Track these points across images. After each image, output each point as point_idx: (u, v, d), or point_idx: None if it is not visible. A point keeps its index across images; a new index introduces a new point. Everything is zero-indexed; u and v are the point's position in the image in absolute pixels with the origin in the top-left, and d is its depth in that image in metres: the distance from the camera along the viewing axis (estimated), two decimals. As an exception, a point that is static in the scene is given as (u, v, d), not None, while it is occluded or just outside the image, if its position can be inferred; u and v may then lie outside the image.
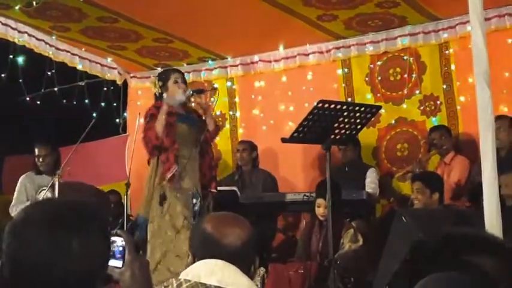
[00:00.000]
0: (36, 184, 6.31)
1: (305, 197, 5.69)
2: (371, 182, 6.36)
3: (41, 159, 6.33)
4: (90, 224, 1.46)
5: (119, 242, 1.72)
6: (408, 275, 1.43)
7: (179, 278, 2.06)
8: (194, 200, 4.98)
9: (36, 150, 6.37)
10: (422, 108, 6.76)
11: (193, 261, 2.12)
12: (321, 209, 5.44)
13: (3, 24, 6.64)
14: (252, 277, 2.09)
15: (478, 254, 1.39)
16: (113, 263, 1.71)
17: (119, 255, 1.72)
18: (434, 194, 5.24)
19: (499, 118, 5.60)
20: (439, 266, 1.35)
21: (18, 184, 6.36)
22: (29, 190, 6.29)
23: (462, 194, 5.86)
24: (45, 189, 6.02)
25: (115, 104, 8.18)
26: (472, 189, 5.55)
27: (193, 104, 5.75)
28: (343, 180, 5.90)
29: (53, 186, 5.80)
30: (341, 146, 6.46)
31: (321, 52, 7.16)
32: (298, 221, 6.75)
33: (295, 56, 7.29)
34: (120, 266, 1.72)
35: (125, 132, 8.18)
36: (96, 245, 1.45)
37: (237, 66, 7.62)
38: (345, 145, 6.40)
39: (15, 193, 6.30)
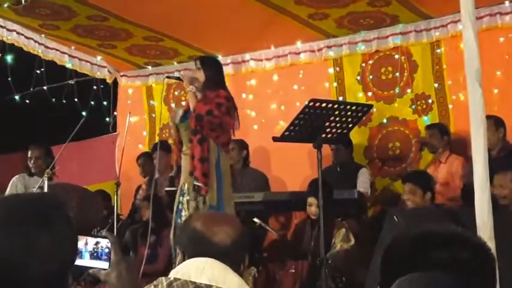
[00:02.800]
0: (27, 185, 6.27)
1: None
2: (363, 181, 6.34)
3: (32, 161, 6.29)
4: (55, 216, 1.42)
5: (104, 243, 1.69)
6: (384, 276, 1.42)
7: (169, 276, 2.04)
8: (181, 198, 4.93)
9: (29, 152, 6.33)
10: (413, 107, 6.75)
11: (183, 259, 2.10)
12: (313, 207, 5.43)
13: (-9, 22, 6.59)
14: (241, 275, 2.07)
15: (451, 250, 1.38)
16: (98, 264, 1.68)
17: (104, 257, 1.69)
18: (427, 193, 5.22)
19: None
20: (413, 266, 1.34)
21: (9, 184, 6.32)
22: (20, 191, 6.24)
23: (457, 193, 5.85)
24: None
25: (105, 103, 8.13)
26: (464, 188, 5.56)
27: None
28: (335, 180, 5.88)
29: (42, 187, 5.75)
30: (333, 146, 6.44)
31: (313, 51, 7.14)
32: (289, 220, 6.73)
33: (286, 55, 7.28)
34: (106, 267, 1.69)
35: (115, 131, 8.14)
36: (64, 237, 1.41)
37: (228, 64, 7.57)
38: (336, 145, 6.38)
39: (7, 192, 6.25)
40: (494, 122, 5.66)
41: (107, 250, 1.69)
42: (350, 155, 6.62)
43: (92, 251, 1.66)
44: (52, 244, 1.38)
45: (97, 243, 1.68)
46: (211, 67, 5.13)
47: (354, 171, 6.42)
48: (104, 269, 1.69)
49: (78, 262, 1.60)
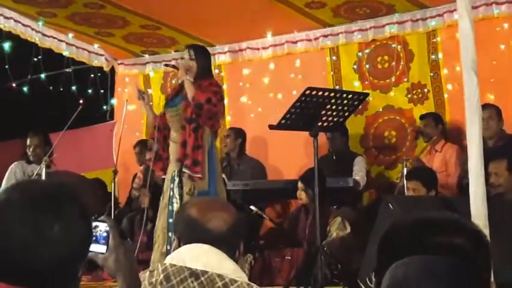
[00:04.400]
0: (25, 173, 6.28)
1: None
2: (359, 170, 6.36)
3: (31, 149, 6.31)
4: (70, 206, 1.44)
5: (102, 227, 1.70)
6: (380, 260, 1.44)
7: (164, 262, 2.06)
8: (171, 185, 4.96)
9: (28, 140, 6.34)
10: (409, 96, 6.77)
11: (179, 246, 2.12)
12: (299, 191, 5.53)
13: (-12, 10, 6.58)
14: (236, 261, 2.09)
15: (448, 235, 1.40)
16: (96, 248, 1.69)
17: (102, 241, 1.70)
18: (431, 191, 5.21)
19: (487, 107, 5.62)
20: (410, 251, 1.36)
21: (8, 170, 6.34)
22: (19, 177, 6.25)
23: (452, 181, 5.87)
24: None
25: (102, 91, 8.13)
26: (460, 177, 5.58)
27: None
28: (331, 169, 5.91)
29: (39, 175, 5.77)
30: (328, 134, 6.45)
31: (309, 40, 7.14)
32: (286, 208, 6.75)
33: (283, 44, 7.28)
34: (104, 251, 1.70)
35: (112, 119, 8.15)
36: (77, 227, 1.43)
37: (224, 53, 7.59)
38: (332, 133, 6.39)
39: (5, 178, 6.27)
40: (497, 112, 5.69)
41: (105, 234, 1.70)
42: (346, 144, 6.63)
43: None
44: (65, 235, 1.39)
45: (96, 227, 1.69)
46: (204, 56, 5.17)
47: (349, 159, 6.43)
48: (102, 253, 1.70)
49: None
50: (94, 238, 1.68)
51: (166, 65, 5.57)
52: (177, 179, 4.92)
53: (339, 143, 6.53)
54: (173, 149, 5.02)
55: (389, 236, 1.48)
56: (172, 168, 4.99)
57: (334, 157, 6.49)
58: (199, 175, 4.85)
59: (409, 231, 1.44)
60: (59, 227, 1.39)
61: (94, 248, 1.68)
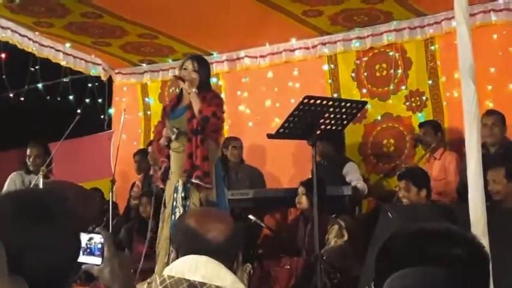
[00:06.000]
0: (25, 183, 6.27)
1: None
2: (357, 178, 6.32)
3: (31, 159, 6.29)
4: (58, 212, 1.45)
5: (97, 239, 1.70)
6: (379, 271, 1.43)
7: (163, 274, 2.05)
8: (175, 195, 4.94)
9: (28, 150, 6.32)
10: (408, 103, 6.77)
11: (177, 257, 2.11)
12: (299, 196, 5.52)
13: (-15, 20, 6.58)
14: (235, 272, 2.08)
15: (445, 246, 1.39)
16: (91, 260, 1.69)
17: (97, 252, 1.70)
18: (422, 190, 5.22)
19: (492, 113, 5.61)
20: (407, 262, 1.35)
21: (8, 180, 6.32)
22: (18, 187, 6.24)
23: (451, 189, 5.87)
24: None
25: (100, 101, 8.13)
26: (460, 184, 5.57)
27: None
28: (323, 175, 5.88)
29: (37, 185, 5.75)
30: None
31: (307, 48, 7.15)
32: (284, 217, 6.74)
33: (281, 52, 7.28)
34: (99, 263, 1.69)
35: (110, 129, 8.15)
36: (65, 237, 1.44)
37: (222, 62, 7.59)
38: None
39: (5, 188, 6.24)
40: (501, 118, 5.65)
41: (100, 246, 1.70)
42: (338, 150, 6.53)
43: (85, 247, 1.67)
44: (53, 239, 1.40)
45: (90, 239, 1.69)
46: (206, 68, 5.18)
47: (338, 165, 6.38)
48: (97, 265, 1.70)
49: None
50: (89, 250, 1.68)
51: (175, 76, 5.55)
52: (180, 189, 4.90)
53: (323, 149, 6.42)
54: (177, 159, 4.99)
55: (388, 247, 1.47)
56: (176, 178, 4.96)
57: (325, 163, 6.45)
58: (209, 185, 4.87)
59: (407, 242, 1.43)
60: (47, 231, 1.40)
61: (89, 259, 1.68)
